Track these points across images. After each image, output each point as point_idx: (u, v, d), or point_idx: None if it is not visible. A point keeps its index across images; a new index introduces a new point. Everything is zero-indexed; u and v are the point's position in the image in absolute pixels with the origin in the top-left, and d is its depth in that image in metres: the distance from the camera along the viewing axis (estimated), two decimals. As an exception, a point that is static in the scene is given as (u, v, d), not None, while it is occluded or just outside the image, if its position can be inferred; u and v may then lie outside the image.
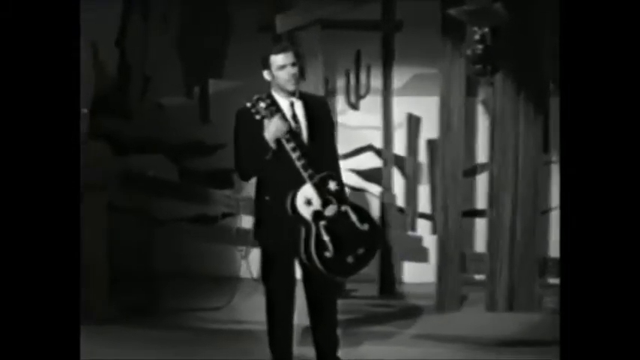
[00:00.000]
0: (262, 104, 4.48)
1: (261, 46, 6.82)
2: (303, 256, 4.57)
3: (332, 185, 4.54)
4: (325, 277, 4.59)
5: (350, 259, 4.57)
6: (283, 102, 4.59)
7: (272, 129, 4.47)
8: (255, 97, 4.50)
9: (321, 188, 4.51)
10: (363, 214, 4.65)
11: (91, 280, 6.06)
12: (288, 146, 4.51)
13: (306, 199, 4.50)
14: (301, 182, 4.52)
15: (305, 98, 4.67)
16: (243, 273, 6.79)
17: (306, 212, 4.52)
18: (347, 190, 4.90)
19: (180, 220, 7.93)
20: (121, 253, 6.87)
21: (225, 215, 7.54)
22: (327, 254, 4.50)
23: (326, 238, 4.50)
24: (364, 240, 4.60)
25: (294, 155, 4.51)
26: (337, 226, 4.56)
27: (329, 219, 4.54)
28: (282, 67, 4.52)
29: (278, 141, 4.50)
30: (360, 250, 4.59)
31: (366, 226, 4.61)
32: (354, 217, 4.58)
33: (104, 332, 5.97)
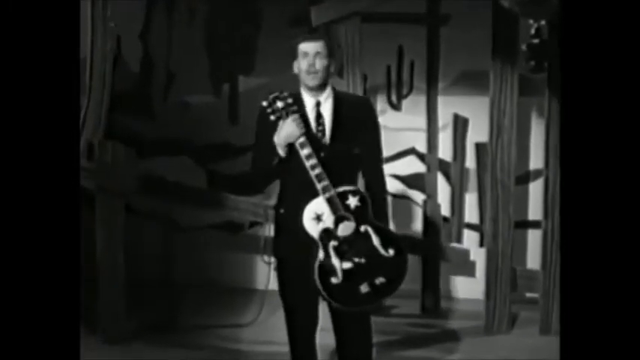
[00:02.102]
0: (280, 103, 4.08)
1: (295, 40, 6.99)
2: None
3: (352, 201, 4.07)
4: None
5: (364, 289, 4.07)
6: (309, 101, 4.21)
7: (283, 132, 4.08)
8: (274, 95, 4.11)
9: (334, 203, 4.05)
10: (389, 237, 4.13)
11: (104, 292, 6.07)
12: (303, 153, 4.08)
13: (316, 214, 4.06)
14: (316, 194, 4.09)
15: (340, 97, 4.28)
16: (272, 285, 6.11)
17: (313, 229, 4.08)
18: (389, 198, 4.48)
19: (204, 228, 7.82)
20: (139, 262, 6.76)
21: (252, 224, 7.40)
22: (334, 280, 4.04)
23: (335, 261, 4.04)
24: (386, 268, 4.09)
25: (308, 163, 4.07)
26: (353, 248, 4.07)
27: (342, 240, 4.07)
28: (305, 55, 4.18)
29: (291, 146, 4.10)
30: (379, 280, 4.08)
31: (391, 252, 4.09)
32: (375, 241, 4.07)
33: (117, 351, 5.94)
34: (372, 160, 4.34)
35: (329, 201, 4.06)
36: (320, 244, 4.07)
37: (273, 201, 6.03)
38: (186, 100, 7.94)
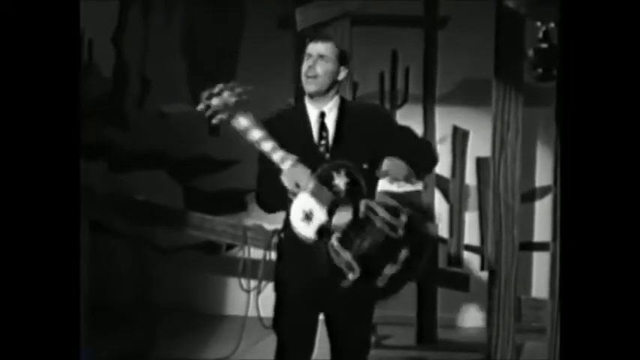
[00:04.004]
0: (216, 100, 3.82)
1: (282, 44, 7.19)
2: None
3: (340, 180, 3.80)
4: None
5: (389, 271, 3.78)
6: (312, 111, 4.06)
7: (288, 179, 3.82)
8: (209, 91, 3.85)
9: (318, 192, 3.76)
10: (392, 205, 3.88)
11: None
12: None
13: (304, 213, 3.78)
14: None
15: (347, 109, 4.10)
16: (251, 312, 6.29)
17: (307, 231, 3.79)
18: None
19: (179, 249, 7.77)
20: (107, 285, 6.86)
21: (230, 247, 7.28)
22: (351, 276, 3.73)
23: (345, 255, 3.73)
24: (405, 239, 3.81)
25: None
26: (359, 234, 3.77)
27: (344, 229, 3.77)
28: (308, 56, 4.02)
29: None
30: (403, 254, 3.80)
31: (403, 219, 3.79)
32: (382, 213, 3.76)
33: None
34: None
35: (314, 194, 3.78)
36: (322, 245, 3.78)
37: (252, 221, 6.51)
38: (163, 110, 7.87)
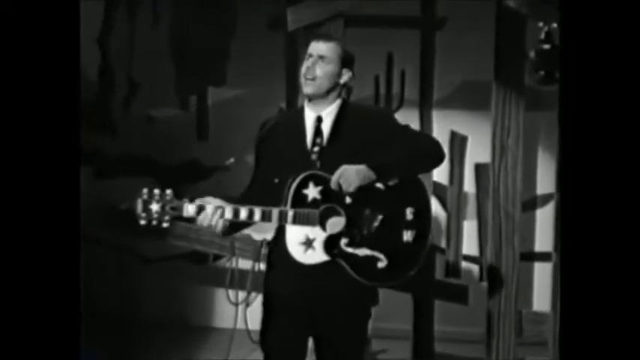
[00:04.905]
0: (156, 206, 3.81)
1: (272, 45, 7.14)
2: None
3: (311, 192, 3.77)
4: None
5: (408, 236, 3.81)
6: (309, 115, 3.93)
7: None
8: (146, 193, 3.85)
9: (303, 216, 3.76)
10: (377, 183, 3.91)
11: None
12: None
13: (302, 242, 3.75)
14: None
15: (348, 113, 3.97)
16: (240, 325, 6.29)
17: (317, 256, 3.77)
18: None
19: (167, 259, 7.67)
20: (93, 296, 6.69)
21: (217, 257, 7.17)
22: (380, 265, 3.77)
23: (362, 251, 3.77)
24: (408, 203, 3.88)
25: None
26: (363, 226, 3.78)
27: (346, 232, 3.77)
28: (308, 57, 3.91)
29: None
30: (410, 212, 3.84)
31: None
32: (376, 193, 3.81)
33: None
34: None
35: (297, 220, 3.77)
36: (340, 260, 3.77)
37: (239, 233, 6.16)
38: (150, 114, 7.86)
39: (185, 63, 7.81)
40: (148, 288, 7.65)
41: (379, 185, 3.81)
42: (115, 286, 7.56)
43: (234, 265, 6.39)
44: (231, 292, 6.24)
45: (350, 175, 3.75)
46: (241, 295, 6.21)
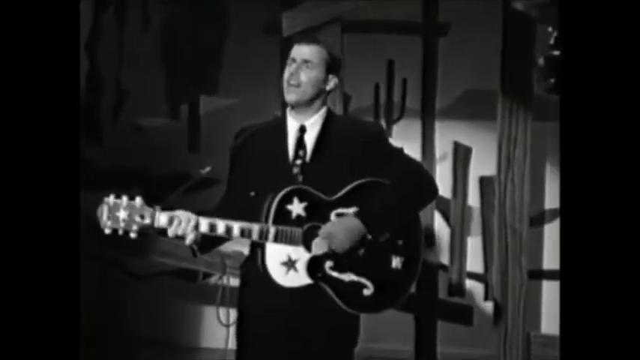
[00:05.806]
0: (123, 213, 3.62)
1: (267, 51, 7.06)
2: None
3: (295, 208, 3.64)
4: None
5: (397, 263, 3.74)
6: (292, 124, 3.80)
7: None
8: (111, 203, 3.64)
9: (286, 234, 3.65)
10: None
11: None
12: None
13: (284, 262, 3.63)
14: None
15: (334, 124, 3.84)
16: (232, 344, 5.82)
17: (298, 278, 3.63)
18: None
19: (156, 275, 7.56)
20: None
21: (206, 275, 7.07)
22: (366, 292, 3.67)
23: (347, 277, 3.66)
24: (398, 228, 3.81)
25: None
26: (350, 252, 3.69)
27: (331, 258, 3.65)
28: (291, 61, 3.79)
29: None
30: (400, 241, 3.77)
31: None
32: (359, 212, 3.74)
33: None
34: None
35: (279, 238, 3.66)
36: (323, 284, 3.67)
37: (231, 248, 5.88)
38: (140, 123, 7.79)
39: (176, 70, 7.76)
40: (136, 305, 7.56)
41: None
42: (102, 301, 7.37)
43: (225, 282, 6.20)
44: (222, 312, 6.03)
45: (339, 238, 3.66)
46: (232, 313, 6.14)
